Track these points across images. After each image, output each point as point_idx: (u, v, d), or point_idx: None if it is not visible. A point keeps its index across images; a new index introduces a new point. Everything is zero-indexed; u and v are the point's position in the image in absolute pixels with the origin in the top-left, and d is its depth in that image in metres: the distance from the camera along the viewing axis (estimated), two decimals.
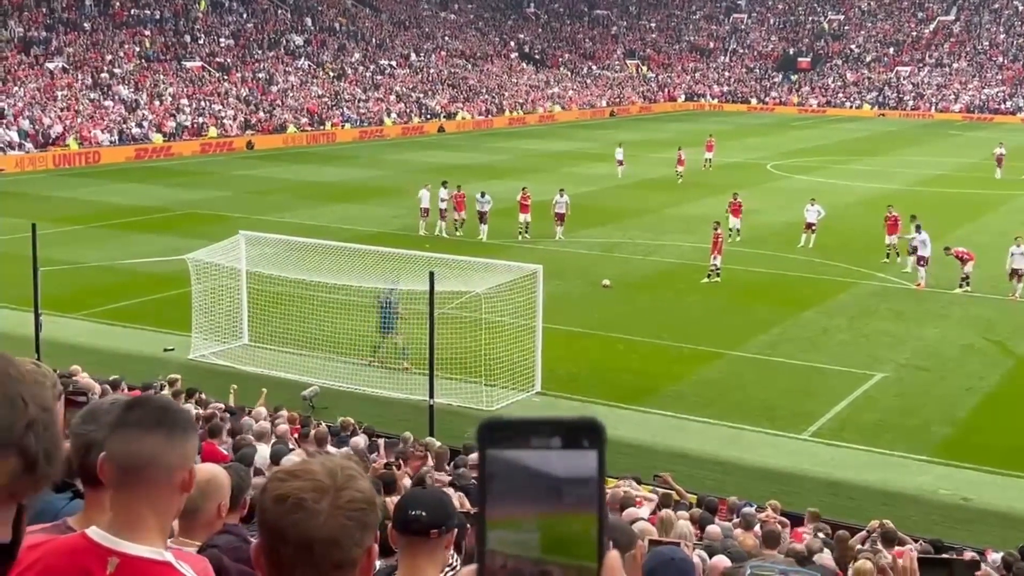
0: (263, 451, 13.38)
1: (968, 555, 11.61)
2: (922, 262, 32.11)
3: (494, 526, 1.38)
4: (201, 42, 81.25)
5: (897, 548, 11.71)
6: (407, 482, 12.22)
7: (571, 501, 1.38)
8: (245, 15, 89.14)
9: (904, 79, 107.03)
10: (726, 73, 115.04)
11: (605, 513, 1.40)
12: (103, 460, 2.69)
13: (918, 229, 32.66)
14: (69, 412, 4.15)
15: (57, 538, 2.66)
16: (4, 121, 59.32)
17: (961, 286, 31.44)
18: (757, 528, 12.72)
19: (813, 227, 37.28)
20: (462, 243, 36.07)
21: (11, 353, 1.91)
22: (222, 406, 17.63)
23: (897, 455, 19.87)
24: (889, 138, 78.66)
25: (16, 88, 63.56)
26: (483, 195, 38.08)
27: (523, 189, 38.72)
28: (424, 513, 3.82)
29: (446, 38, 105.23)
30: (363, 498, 2.29)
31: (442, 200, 38.57)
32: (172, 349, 24.67)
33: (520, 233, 37.80)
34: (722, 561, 9.68)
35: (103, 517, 2.71)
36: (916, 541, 13.01)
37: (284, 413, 17.34)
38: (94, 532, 2.63)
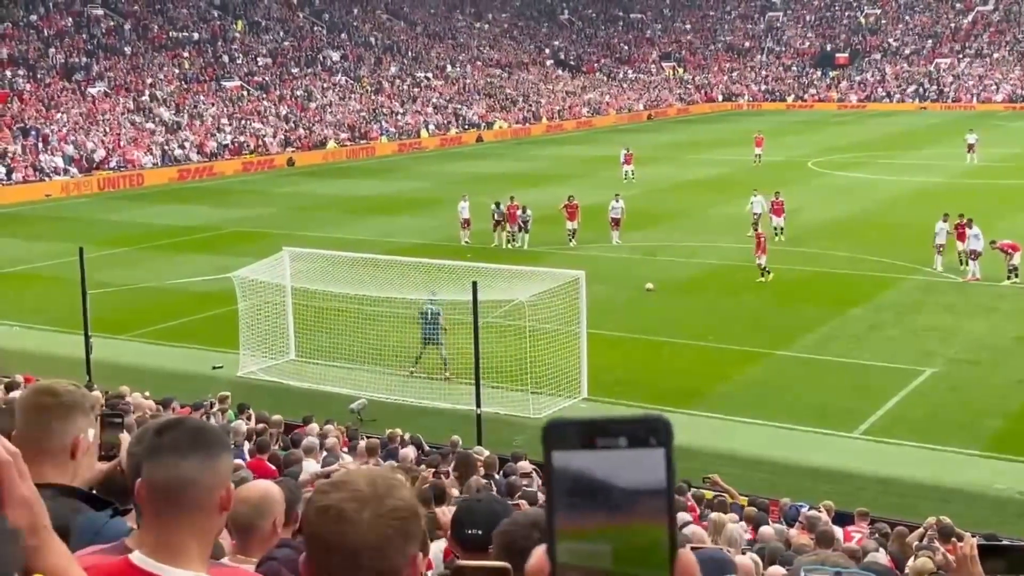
0: (311, 466, 13.46)
1: None
2: (974, 256, 31.82)
3: (564, 537, 1.35)
4: (239, 62, 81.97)
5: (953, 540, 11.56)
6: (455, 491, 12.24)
7: (640, 505, 1.35)
8: (282, 33, 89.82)
9: (944, 71, 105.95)
10: (763, 72, 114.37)
11: (675, 516, 1.37)
12: (140, 485, 2.69)
13: (970, 224, 32.33)
14: (106, 432, 4.25)
15: (103, 561, 2.67)
16: (49, 147, 60.15)
17: (1009, 278, 31.15)
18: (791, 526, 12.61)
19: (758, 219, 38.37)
20: (503, 252, 36.12)
21: (62, 377, 1.90)
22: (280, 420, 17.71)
23: (950, 450, 19.67)
24: (931, 131, 77.86)
25: (59, 114, 64.42)
26: (524, 211, 38.12)
27: (569, 197, 38.68)
28: (480, 532, 3.79)
29: (481, 48, 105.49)
30: (405, 507, 2.32)
31: (497, 212, 38.35)
32: (221, 367, 24.87)
33: (569, 239, 37.80)
34: (779, 571, 9.58)
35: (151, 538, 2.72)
36: (974, 537, 12.86)
37: (332, 428, 17.42)
38: (136, 557, 2.64)
